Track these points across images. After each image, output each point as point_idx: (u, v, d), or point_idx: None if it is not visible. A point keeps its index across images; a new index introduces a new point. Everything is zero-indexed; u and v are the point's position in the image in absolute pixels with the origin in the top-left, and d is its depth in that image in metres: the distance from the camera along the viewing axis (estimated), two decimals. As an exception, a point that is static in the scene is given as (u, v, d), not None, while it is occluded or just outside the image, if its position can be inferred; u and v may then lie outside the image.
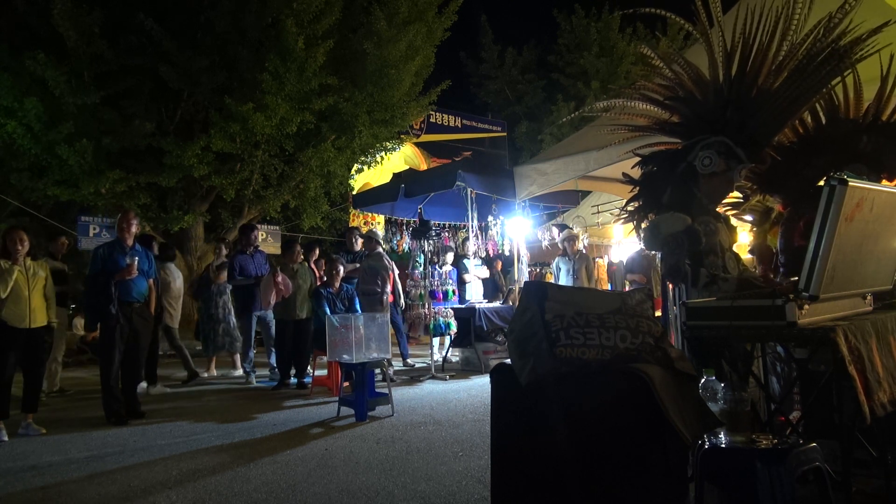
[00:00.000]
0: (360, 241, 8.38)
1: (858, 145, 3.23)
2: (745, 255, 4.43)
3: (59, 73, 8.51)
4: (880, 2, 4.36)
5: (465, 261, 9.47)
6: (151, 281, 5.78)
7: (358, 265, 7.83)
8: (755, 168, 3.07)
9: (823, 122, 3.32)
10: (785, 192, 3.42)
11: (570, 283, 8.42)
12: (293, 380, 7.26)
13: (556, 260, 8.93)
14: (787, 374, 3.11)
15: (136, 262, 5.46)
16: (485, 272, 9.86)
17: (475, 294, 9.41)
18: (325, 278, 6.99)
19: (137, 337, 5.57)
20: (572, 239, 8.70)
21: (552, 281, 9.45)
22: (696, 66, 2.95)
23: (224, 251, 8.41)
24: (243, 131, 9.64)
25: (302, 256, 7.56)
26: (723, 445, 2.11)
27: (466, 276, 9.33)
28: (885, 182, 3.29)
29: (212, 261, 8.14)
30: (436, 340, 8.29)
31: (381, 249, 8.06)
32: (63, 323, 6.92)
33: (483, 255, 9.79)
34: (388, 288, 7.72)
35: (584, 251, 9.03)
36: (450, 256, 9.05)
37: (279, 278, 6.90)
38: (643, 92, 3.12)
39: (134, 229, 5.65)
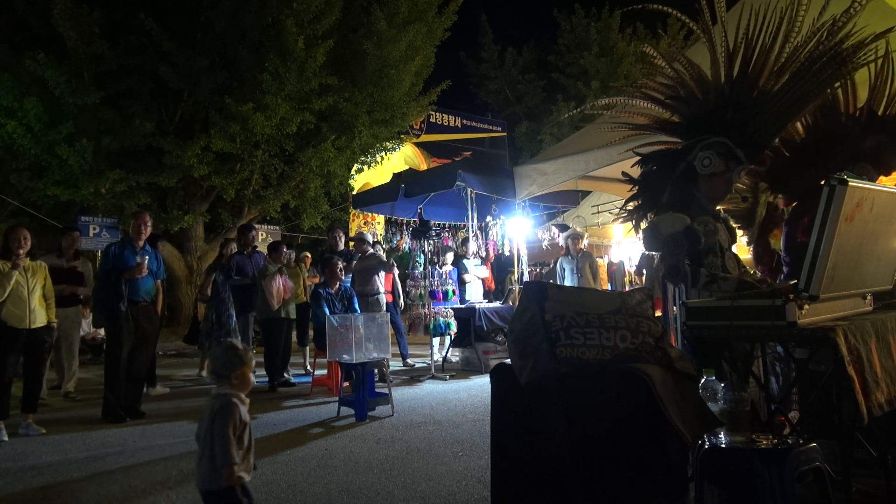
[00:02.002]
0: (342, 238, 8.37)
1: (862, 143, 3.23)
2: (746, 256, 4.43)
3: (59, 73, 8.51)
4: (883, 4, 4.36)
5: (464, 261, 9.47)
6: (159, 281, 5.83)
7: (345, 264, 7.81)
8: (759, 168, 3.08)
9: (829, 120, 3.32)
10: (789, 190, 3.42)
11: (574, 283, 8.38)
12: (295, 378, 7.28)
13: (560, 260, 8.87)
14: (787, 374, 3.11)
15: (146, 262, 5.52)
16: (485, 272, 9.86)
17: (475, 294, 9.40)
18: (323, 278, 7.00)
19: (143, 336, 5.61)
20: (576, 237, 8.67)
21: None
22: (697, 65, 2.95)
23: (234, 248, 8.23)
24: (243, 131, 9.63)
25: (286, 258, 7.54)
26: (723, 445, 2.11)
27: (466, 276, 9.33)
28: (882, 179, 3.29)
29: (223, 258, 7.98)
30: (436, 340, 8.29)
31: (372, 250, 8.01)
32: (76, 322, 6.83)
33: (483, 255, 9.78)
34: (384, 288, 7.72)
35: (586, 249, 9.01)
36: (449, 256, 9.05)
37: (283, 278, 6.94)
38: (644, 91, 3.12)
39: (148, 230, 5.72)
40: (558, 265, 8.86)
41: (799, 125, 3.32)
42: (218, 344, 7.63)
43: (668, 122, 3.08)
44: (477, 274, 9.53)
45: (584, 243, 8.92)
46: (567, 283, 8.42)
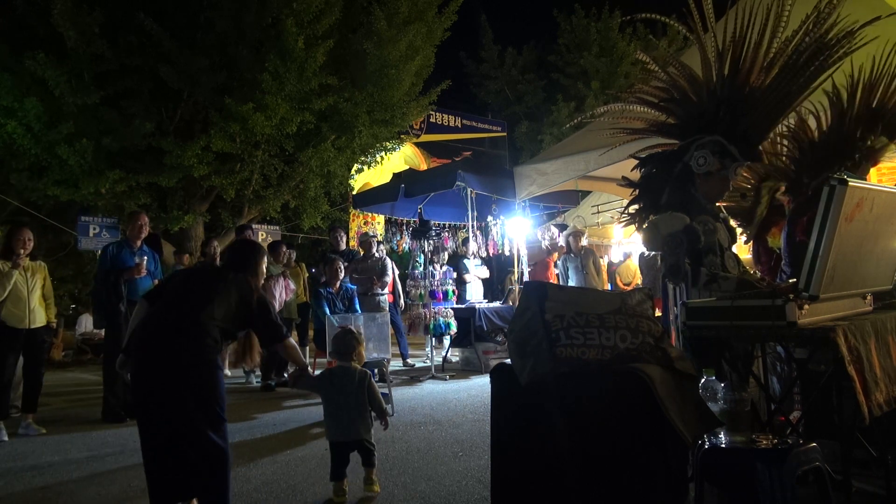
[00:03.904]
0: (343, 238, 8.36)
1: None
2: (746, 256, 4.43)
3: (59, 73, 8.49)
4: (882, 2, 4.36)
5: (465, 261, 9.45)
6: (156, 281, 5.85)
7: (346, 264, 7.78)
8: (754, 164, 3.09)
9: (841, 122, 3.32)
10: (802, 190, 3.42)
11: (579, 280, 8.32)
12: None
13: (562, 258, 8.79)
14: (788, 374, 3.12)
15: (144, 262, 5.55)
16: (485, 272, 9.85)
17: (475, 294, 9.38)
18: (324, 278, 7.00)
19: None
20: (577, 235, 8.62)
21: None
22: (690, 67, 2.96)
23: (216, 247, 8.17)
24: (243, 131, 9.62)
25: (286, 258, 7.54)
26: (723, 445, 2.12)
27: (467, 276, 9.31)
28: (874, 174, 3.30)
29: (206, 258, 7.95)
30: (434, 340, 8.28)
31: (378, 255, 7.96)
32: None
33: (483, 254, 9.78)
34: (384, 289, 7.71)
35: (587, 246, 8.97)
36: (443, 256, 9.02)
37: (286, 281, 6.95)
38: (639, 95, 3.14)
39: (145, 231, 5.77)
40: (560, 264, 8.81)
41: (812, 126, 3.34)
42: None
43: (663, 124, 3.10)
44: (477, 274, 9.52)
45: (585, 241, 8.90)
46: (571, 281, 8.35)
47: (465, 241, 9.77)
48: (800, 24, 2.71)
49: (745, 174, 3.53)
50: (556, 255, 10.03)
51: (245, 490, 3.53)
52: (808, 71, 2.71)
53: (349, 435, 3.31)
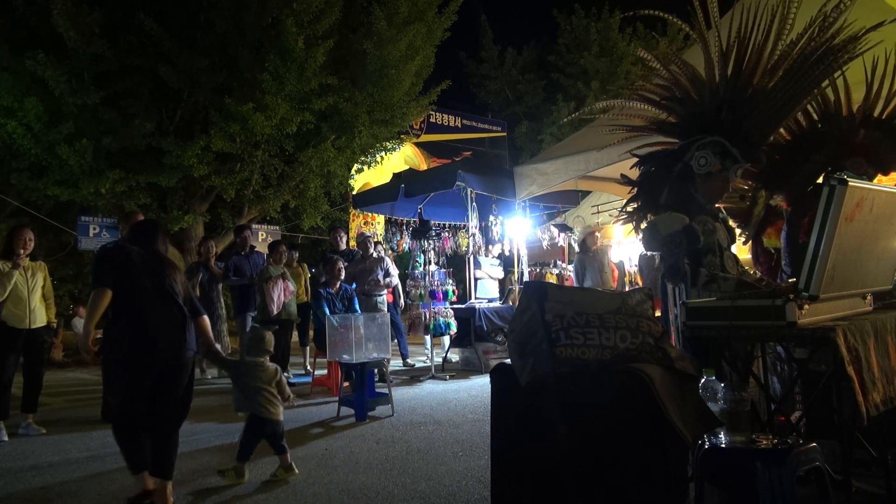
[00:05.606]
0: (343, 238, 8.36)
1: (856, 139, 3.24)
2: (745, 256, 4.43)
3: (59, 73, 8.49)
4: (882, 3, 4.36)
5: (479, 258, 9.40)
6: None
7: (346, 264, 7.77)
8: (754, 167, 3.08)
9: (821, 117, 3.33)
10: (787, 189, 3.42)
11: (597, 280, 8.18)
12: (294, 378, 7.28)
13: (578, 258, 8.63)
14: (788, 374, 3.12)
15: None
16: (499, 272, 9.81)
17: (487, 292, 9.30)
18: (324, 278, 7.00)
19: None
20: (593, 234, 8.49)
21: (563, 282, 9.38)
22: (692, 66, 2.96)
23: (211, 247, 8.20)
24: (243, 131, 9.61)
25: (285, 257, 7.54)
26: (723, 445, 2.11)
27: (478, 273, 9.27)
28: (882, 179, 3.31)
29: (210, 259, 7.97)
30: (429, 340, 8.27)
31: (376, 254, 7.95)
32: None
33: (484, 254, 9.76)
34: (389, 286, 7.71)
35: (599, 245, 8.87)
36: (431, 255, 9.00)
37: (286, 283, 6.96)
38: (641, 92, 3.13)
39: None
40: (576, 264, 8.62)
41: (785, 126, 3.34)
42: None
43: (664, 123, 3.09)
44: (490, 273, 9.49)
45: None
46: (588, 281, 8.20)
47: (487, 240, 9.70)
48: (805, 26, 2.70)
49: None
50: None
51: (245, 490, 3.54)
52: (813, 74, 2.71)
53: (265, 414, 3.71)
